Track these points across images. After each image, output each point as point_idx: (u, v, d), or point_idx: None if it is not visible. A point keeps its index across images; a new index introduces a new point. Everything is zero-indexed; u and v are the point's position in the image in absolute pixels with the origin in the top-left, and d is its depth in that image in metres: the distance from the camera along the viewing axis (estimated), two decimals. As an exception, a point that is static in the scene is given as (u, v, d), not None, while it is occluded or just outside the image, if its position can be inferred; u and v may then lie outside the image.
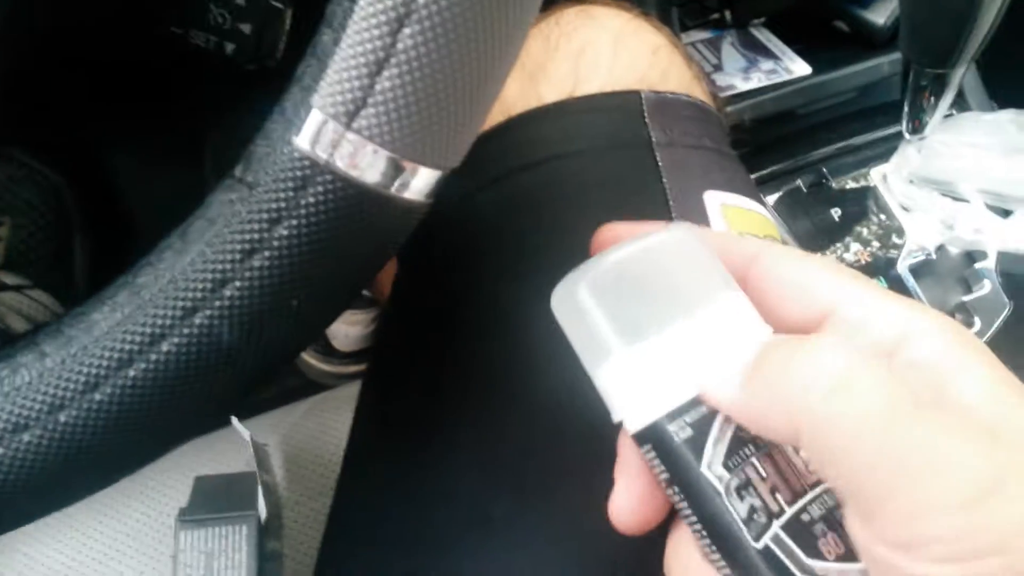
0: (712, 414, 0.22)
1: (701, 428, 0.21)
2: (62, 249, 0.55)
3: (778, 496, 0.21)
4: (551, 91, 0.41)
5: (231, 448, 0.51)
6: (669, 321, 0.22)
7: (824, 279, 0.23)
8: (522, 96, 0.41)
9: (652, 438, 0.22)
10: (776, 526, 0.21)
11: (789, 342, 0.21)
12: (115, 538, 0.49)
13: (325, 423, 0.54)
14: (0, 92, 0.38)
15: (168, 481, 0.49)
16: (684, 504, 0.22)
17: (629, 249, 0.22)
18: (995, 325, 0.52)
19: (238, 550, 0.39)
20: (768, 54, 0.63)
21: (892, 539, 0.18)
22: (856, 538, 0.19)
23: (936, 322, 0.21)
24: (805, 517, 0.21)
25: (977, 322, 0.52)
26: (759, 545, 0.20)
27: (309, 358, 0.86)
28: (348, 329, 0.85)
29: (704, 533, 0.21)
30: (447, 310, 0.39)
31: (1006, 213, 0.54)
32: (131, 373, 0.21)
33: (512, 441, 0.34)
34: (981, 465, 0.18)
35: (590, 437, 0.22)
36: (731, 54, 0.64)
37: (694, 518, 0.22)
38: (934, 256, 0.55)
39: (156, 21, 0.35)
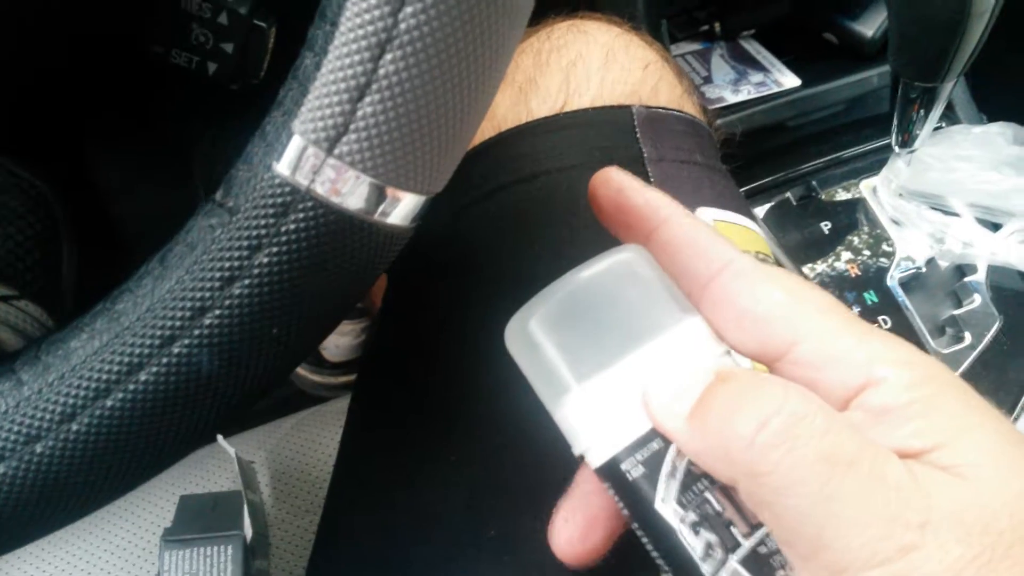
0: (664, 449, 0.21)
1: (653, 464, 0.21)
2: (50, 259, 0.55)
3: (734, 530, 0.21)
4: (542, 105, 0.40)
5: (217, 465, 0.50)
6: (622, 353, 0.21)
7: (783, 314, 0.22)
8: (513, 110, 0.41)
9: (609, 475, 0.22)
10: (733, 561, 0.20)
11: (737, 381, 0.21)
12: (100, 556, 0.48)
13: (313, 439, 0.54)
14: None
15: (153, 499, 0.49)
16: (645, 540, 0.22)
17: (578, 279, 0.22)
18: (985, 339, 0.52)
19: (223, 571, 0.39)
20: (758, 66, 0.63)
21: None
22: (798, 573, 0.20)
23: (895, 368, 0.20)
24: (763, 549, 0.21)
25: (967, 336, 0.52)
26: None
27: (299, 369, 0.86)
28: (338, 339, 0.85)
29: (667, 568, 0.21)
30: (436, 326, 0.39)
31: (996, 227, 0.54)
32: (108, 403, 0.20)
33: (502, 461, 0.34)
34: (904, 521, 0.18)
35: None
36: (721, 66, 0.64)
37: (655, 553, 0.21)
38: (924, 270, 0.55)
39: (135, 40, 0.34)
